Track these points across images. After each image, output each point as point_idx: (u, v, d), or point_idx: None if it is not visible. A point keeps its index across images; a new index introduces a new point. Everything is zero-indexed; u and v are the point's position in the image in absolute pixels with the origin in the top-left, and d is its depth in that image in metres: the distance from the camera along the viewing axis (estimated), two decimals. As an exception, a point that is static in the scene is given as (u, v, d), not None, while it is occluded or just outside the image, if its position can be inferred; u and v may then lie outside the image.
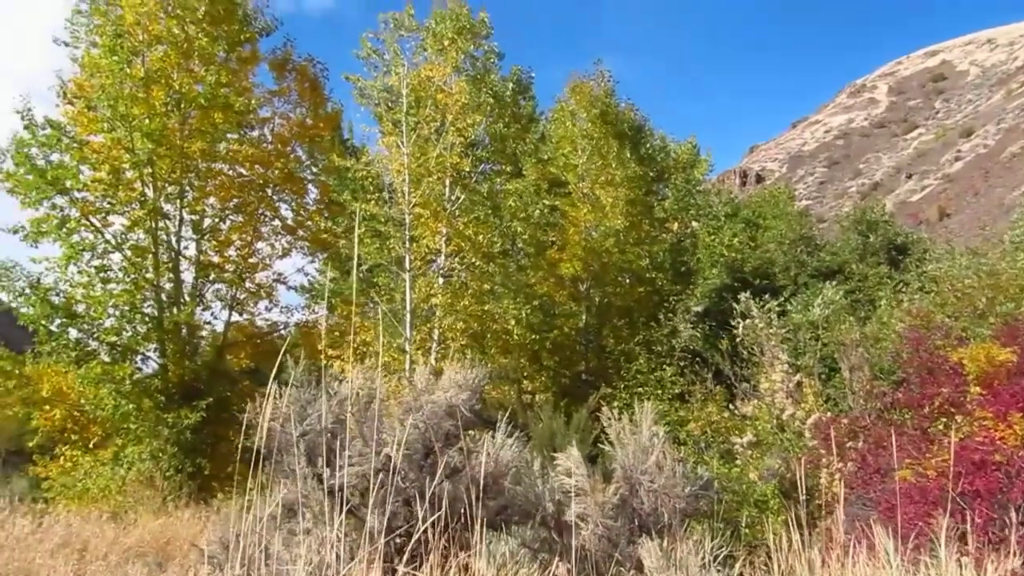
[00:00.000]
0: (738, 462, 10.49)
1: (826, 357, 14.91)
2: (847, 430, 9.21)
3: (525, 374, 18.52)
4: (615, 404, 11.45)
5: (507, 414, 5.75)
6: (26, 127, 14.14)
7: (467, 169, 15.42)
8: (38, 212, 14.06)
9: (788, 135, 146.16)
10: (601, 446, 7.16)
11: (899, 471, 6.81)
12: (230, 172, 16.39)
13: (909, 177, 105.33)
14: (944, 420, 7.89)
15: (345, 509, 4.02)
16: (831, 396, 13.41)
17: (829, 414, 10.75)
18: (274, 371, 3.52)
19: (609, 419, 6.51)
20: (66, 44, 15.20)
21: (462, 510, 4.56)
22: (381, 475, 4.56)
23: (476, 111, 15.68)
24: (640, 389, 15.57)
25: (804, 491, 6.32)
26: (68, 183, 14.09)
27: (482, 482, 4.45)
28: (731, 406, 12.63)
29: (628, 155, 19.33)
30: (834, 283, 17.31)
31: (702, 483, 6.26)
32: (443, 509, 4.00)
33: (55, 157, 14.34)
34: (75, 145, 14.45)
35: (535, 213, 17.78)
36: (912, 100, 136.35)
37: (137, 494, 12.89)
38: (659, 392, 15.41)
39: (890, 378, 12.31)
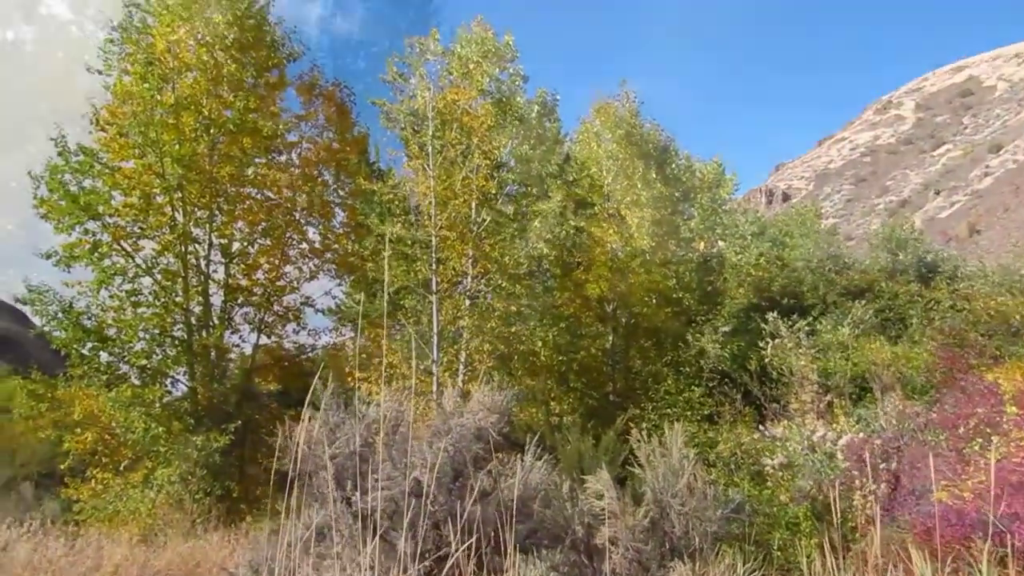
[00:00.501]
0: (769, 484, 10.36)
1: (857, 377, 14.75)
2: (880, 451, 9.09)
3: (552, 396, 18.47)
4: (643, 426, 11.37)
5: (535, 436, 5.73)
6: (59, 153, 14.38)
7: (493, 191, 15.46)
8: (71, 237, 14.28)
9: (814, 153, 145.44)
10: (630, 468, 7.11)
11: (935, 493, 6.70)
12: (258, 196, 16.58)
13: (937, 194, 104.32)
14: (980, 441, 7.76)
15: (378, 535, 4.01)
16: (862, 416, 13.25)
17: (861, 435, 10.59)
18: (309, 395, 3.53)
19: (638, 441, 6.47)
20: (99, 72, 15.46)
21: (492, 533, 4.54)
22: (410, 498, 4.55)
23: (502, 133, 15.74)
24: (668, 410, 15.48)
25: (837, 513, 6.23)
26: (100, 208, 14.31)
27: (514, 505, 4.43)
28: (761, 427, 12.52)
29: (653, 175, 19.29)
30: (863, 302, 17.16)
31: (733, 506, 6.20)
32: (476, 534, 3.98)
33: (87, 183, 14.57)
34: (107, 171, 14.67)
35: (561, 234, 17.79)
36: (939, 116, 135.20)
37: (166, 517, 12.96)
38: (688, 413, 15.29)
39: (923, 398, 12.16)
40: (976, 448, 7.73)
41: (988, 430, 7.79)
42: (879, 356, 13.40)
